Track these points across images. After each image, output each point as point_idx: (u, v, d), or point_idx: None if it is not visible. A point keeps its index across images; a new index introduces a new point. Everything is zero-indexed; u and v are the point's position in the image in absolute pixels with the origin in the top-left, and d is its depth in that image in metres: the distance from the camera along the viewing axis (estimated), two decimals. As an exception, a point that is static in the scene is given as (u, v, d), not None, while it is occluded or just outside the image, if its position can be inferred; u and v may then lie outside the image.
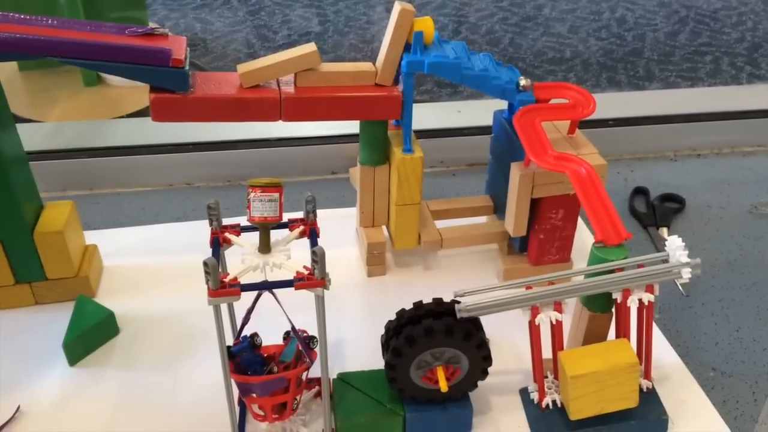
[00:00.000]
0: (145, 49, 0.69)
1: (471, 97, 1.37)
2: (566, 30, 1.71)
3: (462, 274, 0.89)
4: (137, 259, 0.91)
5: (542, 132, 0.75)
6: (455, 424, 0.69)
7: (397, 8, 0.74)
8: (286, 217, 0.62)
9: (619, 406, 0.66)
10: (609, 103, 1.19)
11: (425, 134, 1.09)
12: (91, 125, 1.17)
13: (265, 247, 0.60)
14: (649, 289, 0.65)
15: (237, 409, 0.67)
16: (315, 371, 0.64)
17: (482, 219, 0.92)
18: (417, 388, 0.66)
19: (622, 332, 0.68)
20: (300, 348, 0.64)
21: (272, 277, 0.58)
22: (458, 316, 0.63)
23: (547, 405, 0.69)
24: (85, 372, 0.75)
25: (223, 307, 0.63)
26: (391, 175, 0.83)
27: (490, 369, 0.67)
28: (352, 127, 0.84)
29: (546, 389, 0.69)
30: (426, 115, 1.14)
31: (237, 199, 1.05)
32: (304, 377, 0.65)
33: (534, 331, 0.66)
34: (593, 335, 0.69)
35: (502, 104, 0.83)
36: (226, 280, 0.56)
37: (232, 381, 0.62)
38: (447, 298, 0.65)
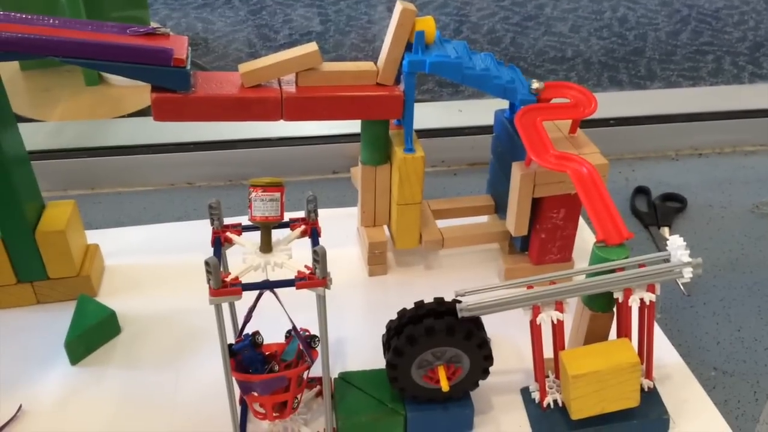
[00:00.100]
0: (146, 49, 0.69)
1: (472, 97, 1.37)
2: (568, 29, 1.71)
3: (463, 274, 0.89)
4: (139, 259, 0.91)
5: (543, 131, 0.75)
6: (456, 424, 0.69)
7: (398, 8, 0.74)
8: (288, 216, 0.62)
9: (620, 405, 0.66)
10: (610, 103, 1.19)
11: (426, 134, 1.09)
12: (92, 125, 1.17)
13: (266, 246, 0.60)
14: (651, 288, 0.65)
15: (238, 408, 0.67)
16: (316, 370, 0.64)
17: (483, 218, 0.92)
18: (418, 387, 0.66)
19: (624, 332, 0.68)
20: (301, 347, 0.64)
21: (273, 276, 0.58)
22: (459, 315, 0.63)
23: (549, 404, 0.69)
24: (86, 371, 0.75)
25: (225, 306, 0.63)
26: (393, 175, 0.83)
27: (491, 368, 0.67)
28: (353, 126, 0.84)
29: (547, 389, 0.69)
30: (427, 115, 1.14)
31: (238, 198, 1.05)
32: (305, 376, 0.65)
33: (535, 330, 0.66)
34: (594, 335, 0.69)
35: (504, 104, 0.83)
36: (228, 279, 0.56)
37: (234, 380, 0.62)
38: (448, 298, 0.65)
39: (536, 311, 0.64)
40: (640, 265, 0.65)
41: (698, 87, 1.47)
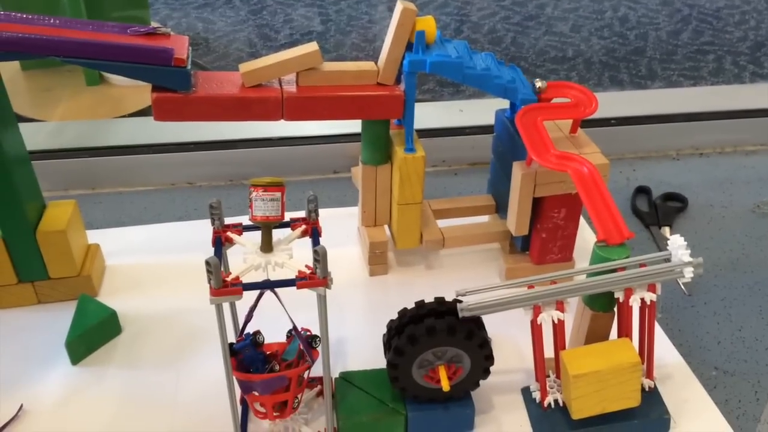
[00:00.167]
0: (147, 49, 0.69)
1: (473, 96, 1.37)
2: (568, 29, 1.71)
3: (464, 274, 0.89)
4: (139, 259, 0.91)
5: (544, 131, 0.75)
6: (457, 423, 0.69)
7: (399, 7, 0.74)
8: (288, 216, 0.62)
9: (621, 405, 0.66)
10: (611, 102, 1.19)
11: (427, 133, 1.09)
12: (93, 124, 1.17)
13: (267, 246, 0.60)
14: (652, 288, 0.65)
15: (239, 407, 0.67)
16: (317, 370, 0.64)
17: (484, 218, 0.92)
18: (419, 387, 0.66)
19: (624, 331, 0.68)
20: (302, 347, 0.64)
21: (274, 276, 0.58)
22: (460, 315, 0.63)
23: (549, 404, 0.69)
24: (87, 371, 0.75)
25: (225, 306, 0.63)
26: (393, 175, 0.83)
27: (492, 368, 0.67)
28: (354, 126, 0.84)
29: (548, 388, 0.69)
30: (428, 114, 1.14)
31: (239, 198, 1.05)
32: (305, 376, 0.65)
33: (536, 330, 0.66)
34: (595, 334, 0.69)
35: (504, 103, 0.83)
36: (228, 279, 0.56)
37: (234, 379, 0.62)
38: (449, 298, 0.65)
39: (537, 311, 0.64)
40: (641, 265, 0.65)
41: (699, 87, 1.47)
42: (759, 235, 1.00)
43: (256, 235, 0.61)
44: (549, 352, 0.68)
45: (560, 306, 0.65)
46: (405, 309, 0.66)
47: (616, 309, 0.68)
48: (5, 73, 0.73)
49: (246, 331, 0.65)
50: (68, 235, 0.80)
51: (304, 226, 0.64)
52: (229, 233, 0.63)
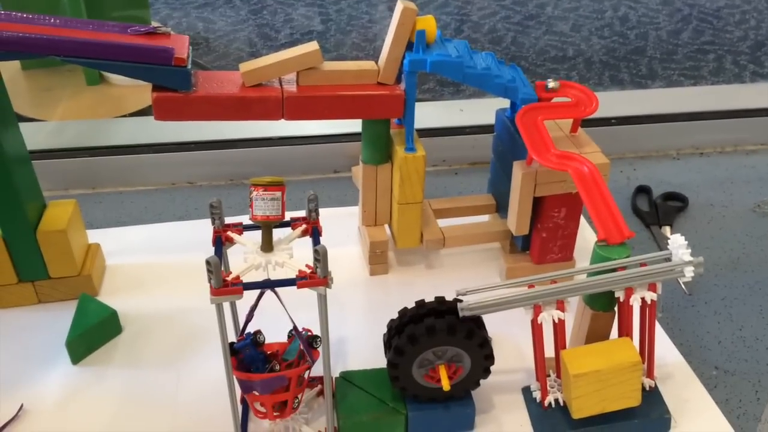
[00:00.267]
0: (147, 48, 0.69)
1: (473, 96, 1.37)
2: (569, 28, 1.71)
3: (464, 273, 0.89)
4: (140, 258, 0.91)
5: (545, 130, 0.75)
6: (457, 423, 0.69)
7: (399, 7, 0.74)
8: (289, 215, 0.62)
9: (621, 404, 0.66)
10: (611, 102, 1.19)
11: (427, 133, 1.09)
12: (93, 124, 1.17)
13: (267, 245, 0.60)
14: (652, 287, 0.65)
15: (240, 407, 0.67)
16: (318, 369, 0.64)
17: (484, 218, 0.92)
18: (419, 386, 0.66)
19: (625, 331, 0.67)
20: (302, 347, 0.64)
21: (274, 275, 0.58)
22: (460, 314, 0.63)
23: (550, 404, 0.69)
24: (87, 370, 0.75)
25: (226, 305, 0.63)
26: (394, 174, 0.83)
27: (492, 368, 0.67)
28: (354, 125, 0.84)
29: (548, 388, 0.69)
30: (428, 114, 1.14)
31: (239, 197, 1.05)
32: (306, 376, 0.65)
33: (536, 329, 0.66)
34: (596, 334, 0.69)
35: (505, 103, 0.83)
36: (229, 278, 0.56)
37: (235, 379, 0.62)
38: (449, 297, 0.65)
39: (537, 310, 0.64)
40: (642, 264, 0.65)
41: (699, 86, 1.47)
42: (759, 234, 1.00)
43: (257, 235, 0.61)
44: (549, 351, 0.68)
45: (561, 305, 0.65)
46: (405, 308, 0.66)
47: (616, 308, 0.68)
48: (6, 72, 0.73)
49: (247, 331, 0.65)
50: (69, 234, 0.80)
51: (304, 226, 0.64)
52: (229, 233, 0.63)
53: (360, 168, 0.85)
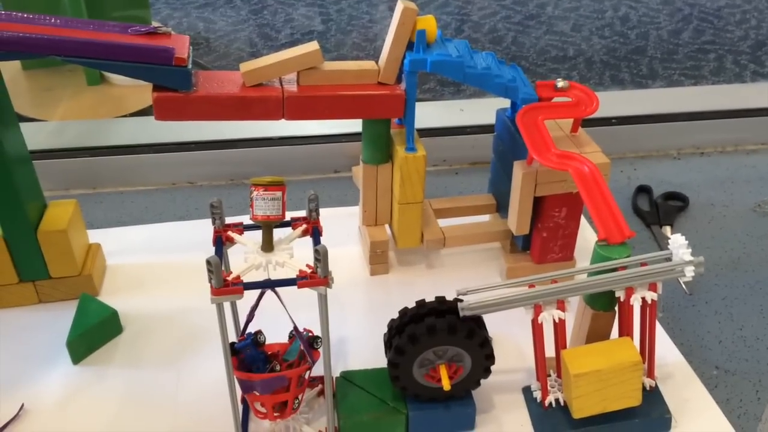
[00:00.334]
0: (147, 48, 0.69)
1: (474, 96, 1.37)
2: (569, 28, 1.71)
3: (465, 273, 0.89)
4: (140, 258, 0.91)
5: (545, 130, 0.75)
6: (458, 423, 0.69)
7: (399, 7, 0.74)
8: (289, 215, 0.62)
9: (622, 404, 0.66)
10: (612, 102, 1.19)
11: (428, 133, 1.09)
12: (94, 124, 1.18)
13: (267, 245, 0.60)
14: (652, 287, 0.65)
15: (240, 407, 0.67)
16: (318, 369, 0.64)
17: (485, 217, 0.92)
18: (420, 386, 0.66)
19: (625, 331, 0.67)
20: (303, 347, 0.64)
21: (275, 275, 0.59)
22: (461, 314, 0.63)
23: (550, 403, 0.69)
24: (88, 370, 0.75)
25: (226, 305, 0.63)
26: (394, 174, 0.83)
27: (492, 367, 0.67)
28: (354, 125, 0.84)
29: (549, 388, 0.69)
30: (429, 114, 1.14)
31: (240, 197, 1.05)
32: (306, 376, 0.65)
33: (537, 329, 0.66)
34: (596, 334, 0.69)
35: (505, 102, 0.83)
36: (229, 278, 0.56)
37: (235, 379, 0.62)
38: (450, 297, 0.65)
39: (538, 310, 0.64)
40: (642, 264, 0.65)
41: (700, 86, 1.47)
42: (760, 234, 1.00)
43: (257, 235, 0.61)
44: (550, 351, 0.68)
45: (561, 305, 0.65)
46: (406, 308, 0.66)
47: (617, 308, 0.68)
48: (6, 72, 0.73)
49: (248, 331, 0.65)
50: (69, 234, 0.80)
51: (304, 226, 0.64)
52: (229, 232, 0.63)
53: (360, 168, 0.85)
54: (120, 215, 1.02)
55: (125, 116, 1.26)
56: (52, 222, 0.80)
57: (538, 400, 0.69)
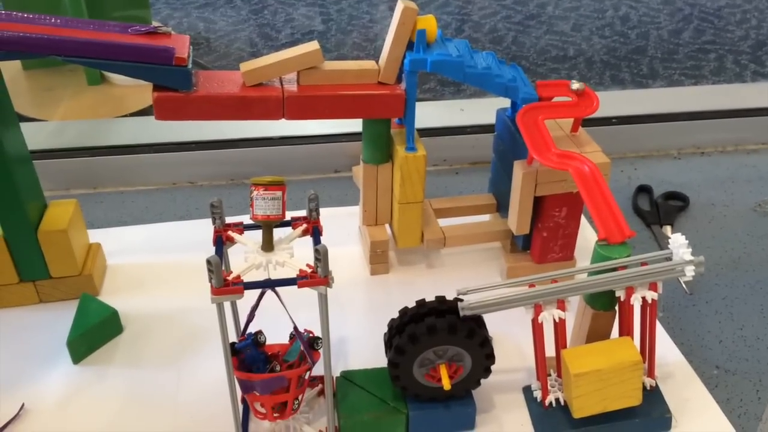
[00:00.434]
0: (148, 48, 0.69)
1: (474, 96, 1.37)
2: (569, 28, 1.71)
3: (465, 273, 0.89)
4: (141, 258, 0.91)
5: (545, 130, 0.75)
6: (458, 422, 0.69)
7: (400, 6, 0.74)
8: (289, 215, 0.62)
9: (622, 404, 0.66)
10: (612, 101, 1.19)
11: (428, 132, 1.09)
12: (94, 124, 1.18)
13: (268, 245, 0.60)
14: (653, 287, 0.65)
15: (240, 407, 0.67)
16: (319, 369, 0.64)
17: (485, 217, 0.92)
18: (420, 386, 0.66)
19: (626, 330, 0.67)
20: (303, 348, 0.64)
21: (275, 275, 0.59)
22: (461, 314, 0.63)
23: (551, 403, 0.69)
24: (88, 370, 0.75)
25: (227, 305, 0.63)
26: (394, 174, 0.83)
27: (493, 367, 0.67)
28: (355, 125, 0.84)
29: (549, 387, 0.69)
30: (429, 114, 1.14)
31: (240, 197, 1.05)
32: (306, 377, 0.65)
33: (537, 329, 0.66)
34: (596, 333, 0.69)
35: (505, 102, 0.83)
36: (229, 278, 0.56)
37: (236, 379, 0.62)
38: (450, 297, 0.65)
39: (538, 310, 0.64)
40: (642, 264, 0.65)
41: (700, 86, 1.47)
42: (760, 234, 1.00)
43: (257, 234, 0.61)
44: (550, 350, 0.68)
45: (561, 305, 0.65)
46: (406, 308, 0.66)
47: (617, 308, 0.68)
48: (6, 72, 0.73)
49: (248, 331, 0.65)
50: (69, 234, 0.80)
51: (305, 225, 0.64)
52: (230, 232, 0.63)
53: (361, 167, 0.85)
54: (120, 215, 1.02)
55: (125, 116, 1.26)
56: (52, 222, 0.80)
57: (539, 400, 0.69)
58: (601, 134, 0.85)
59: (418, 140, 0.81)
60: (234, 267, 0.59)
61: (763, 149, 1.21)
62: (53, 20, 0.70)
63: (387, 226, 0.90)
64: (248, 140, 1.10)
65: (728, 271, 0.93)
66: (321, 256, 0.56)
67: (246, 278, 0.57)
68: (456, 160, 1.15)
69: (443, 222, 0.88)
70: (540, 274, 0.66)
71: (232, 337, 0.63)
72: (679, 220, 1.03)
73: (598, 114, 0.79)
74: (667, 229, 1.01)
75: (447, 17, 1.76)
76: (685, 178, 1.13)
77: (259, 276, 0.58)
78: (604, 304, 0.68)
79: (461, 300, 0.63)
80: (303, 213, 0.64)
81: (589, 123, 0.81)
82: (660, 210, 1.03)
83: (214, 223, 0.63)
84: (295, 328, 0.64)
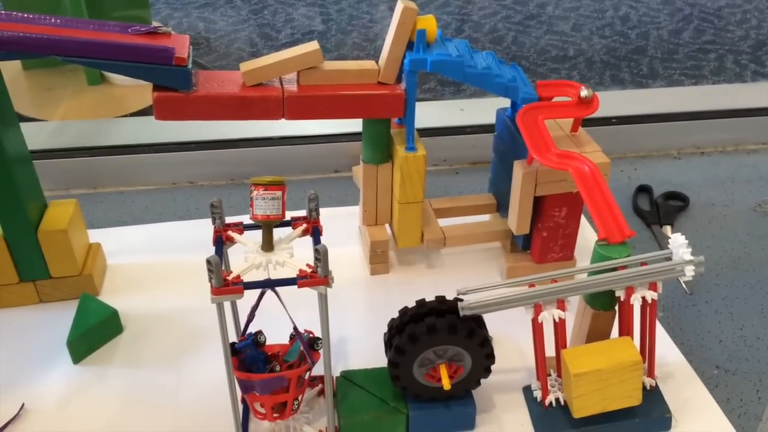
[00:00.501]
0: (148, 48, 0.69)
1: (474, 96, 1.37)
2: (569, 28, 1.71)
3: (465, 272, 0.89)
4: (141, 258, 0.91)
5: (545, 130, 0.75)
6: (458, 422, 0.69)
7: (399, 6, 0.74)
8: (289, 215, 0.62)
9: (622, 404, 0.66)
10: (612, 101, 1.19)
11: (428, 132, 1.09)
12: (94, 124, 1.18)
13: (267, 245, 0.60)
14: (653, 287, 0.65)
15: (240, 407, 0.67)
16: (319, 369, 0.64)
17: (485, 217, 0.92)
18: (420, 386, 0.66)
19: (626, 330, 0.67)
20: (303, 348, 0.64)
21: (275, 275, 0.59)
22: (461, 314, 0.63)
23: (551, 403, 0.69)
24: (88, 370, 0.75)
25: (227, 305, 0.63)
26: (394, 174, 0.83)
27: (493, 367, 0.67)
28: (355, 125, 0.84)
29: (549, 387, 0.69)
30: (429, 114, 1.14)
31: (240, 197, 1.05)
32: (306, 377, 0.65)
33: (537, 329, 0.66)
34: (596, 333, 0.69)
35: (505, 102, 0.83)
36: (229, 278, 0.56)
37: (236, 379, 0.62)
38: (450, 296, 0.65)
39: (538, 310, 0.64)
40: (642, 264, 0.65)
41: (700, 85, 1.47)
42: (760, 233, 1.00)
43: (257, 234, 0.61)
44: (550, 350, 0.68)
45: (561, 305, 0.65)
46: (406, 308, 0.66)
47: (617, 308, 0.68)
48: (7, 72, 0.73)
49: (248, 331, 0.65)
50: (69, 234, 0.80)
51: (305, 225, 0.64)
52: (230, 232, 0.63)
53: (360, 167, 0.85)
54: (120, 215, 1.02)
55: (125, 116, 1.26)
56: (52, 222, 0.80)
57: (539, 400, 0.69)
58: (601, 134, 0.85)
59: (418, 140, 0.81)
60: (234, 267, 0.59)
61: (763, 149, 1.21)
62: (53, 20, 0.70)
63: (387, 226, 0.90)
64: (248, 140, 1.10)
65: (728, 271, 0.93)
66: (321, 256, 0.56)
67: (246, 278, 0.57)
68: (456, 160, 1.15)
69: (443, 222, 0.88)
70: (540, 274, 0.66)
71: (232, 337, 0.63)
72: (679, 220, 1.03)
73: (598, 114, 0.79)
74: (667, 229, 1.01)
75: (447, 17, 1.76)
76: (685, 178, 1.13)
77: (259, 276, 0.58)
78: (604, 304, 0.68)
79: (461, 300, 0.63)
80: (303, 213, 0.64)
81: (589, 123, 0.81)
82: (660, 210, 1.03)
83: (214, 223, 0.63)
84: (295, 328, 0.64)
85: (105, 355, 0.77)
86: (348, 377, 0.70)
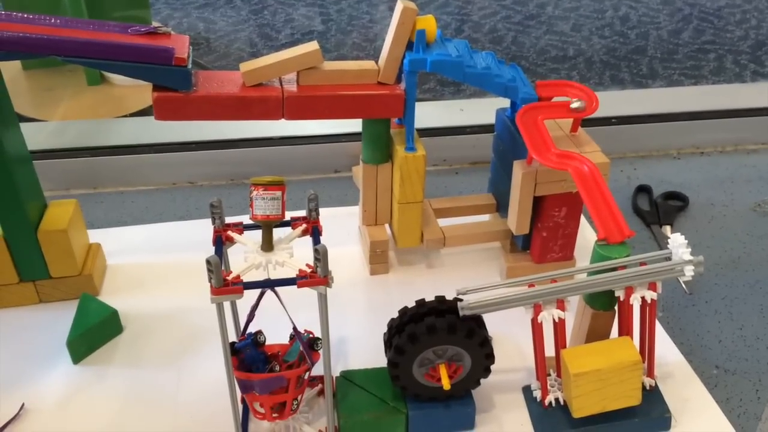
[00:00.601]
0: (147, 48, 0.69)
1: (473, 96, 1.37)
2: (569, 28, 1.71)
3: (465, 272, 0.89)
4: (141, 258, 0.91)
5: (545, 130, 0.75)
6: (458, 422, 0.69)
7: (399, 6, 0.74)
8: (289, 215, 0.62)
9: (622, 404, 0.66)
10: (612, 101, 1.19)
11: (428, 132, 1.10)
12: (94, 124, 1.18)
13: (267, 245, 0.60)
14: (652, 286, 0.65)
15: (240, 407, 0.67)
16: (319, 369, 0.65)
17: (485, 217, 0.92)
18: (420, 385, 0.66)
19: (625, 330, 0.68)
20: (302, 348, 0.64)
21: (275, 275, 0.59)
22: (461, 313, 0.63)
23: (550, 403, 0.69)
24: (88, 370, 0.75)
25: (226, 305, 0.63)
26: (394, 174, 0.83)
27: (492, 367, 0.67)
28: (354, 125, 0.84)
29: (549, 387, 0.69)
30: (428, 114, 1.14)
31: (240, 197, 1.05)
32: (305, 377, 0.65)
33: (537, 328, 0.66)
34: (596, 333, 0.69)
35: (505, 102, 0.83)
36: (229, 278, 0.56)
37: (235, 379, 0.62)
38: (450, 296, 0.65)
39: (538, 309, 0.64)
40: (642, 264, 0.65)
41: (700, 85, 1.47)
42: (760, 233, 1.00)
43: (257, 234, 0.61)
44: (550, 350, 0.68)
45: (561, 305, 0.65)
46: (406, 308, 0.66)
47: (616, 307, 0.68)
48: (6, 72, 0.74)
49: (248, 331, 0.65)
50: (69, 234, 0.80)
51: (304, 225, 0.64)
52: (229, 232, 0.63)
53: (360, 167, 0.85)
54: (120, 215, 1.02)
55: (125, 116, 1.26)
56: (52, 222, 0.80)
57: (538, 400, 0.69)
58: (601, 134, 0.85)
59: (418, 140, 0.81)
60: (234, 267, 0.59)
61: (763, 149, 1.21)
62: (53, 20, 0.70)
63: (387, 226, 0.90)
64: (248, 140, 1.10)
65: (728, 271, 0.93)
66: (321, 256, 0.56)
67: (246, 278, 0.57)
68: (456, 160, 1.15)
69: (443, 222, 0.88)
70: (540, 274, 0.66)
71: (232, 337, 0.63)
72: (679, 220, 1.03)
73: (597, 114, 0.79)
74: (667, 229, 1.01)
75: (447, 17, 1.76)
76: (685, 178, 1.13)
77: (258, 276, 0.58)
78: (604, 304, 0.68)
79: (461, 300, 0.63)
80: (303, 213, 0.64)
81: (588, 123, 0.81)
82: (659, 210, 1.03)
83: (213, 223, 0.63)
84: (295, 328, 0.64)
85: (105, 355, 0.77)
86: (348, 377, 0.70)
